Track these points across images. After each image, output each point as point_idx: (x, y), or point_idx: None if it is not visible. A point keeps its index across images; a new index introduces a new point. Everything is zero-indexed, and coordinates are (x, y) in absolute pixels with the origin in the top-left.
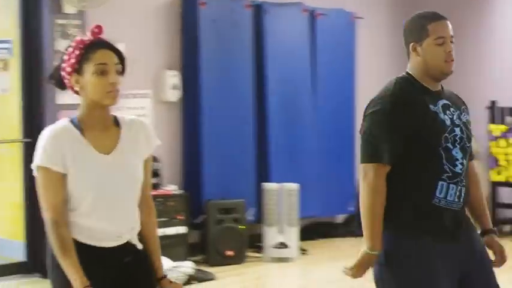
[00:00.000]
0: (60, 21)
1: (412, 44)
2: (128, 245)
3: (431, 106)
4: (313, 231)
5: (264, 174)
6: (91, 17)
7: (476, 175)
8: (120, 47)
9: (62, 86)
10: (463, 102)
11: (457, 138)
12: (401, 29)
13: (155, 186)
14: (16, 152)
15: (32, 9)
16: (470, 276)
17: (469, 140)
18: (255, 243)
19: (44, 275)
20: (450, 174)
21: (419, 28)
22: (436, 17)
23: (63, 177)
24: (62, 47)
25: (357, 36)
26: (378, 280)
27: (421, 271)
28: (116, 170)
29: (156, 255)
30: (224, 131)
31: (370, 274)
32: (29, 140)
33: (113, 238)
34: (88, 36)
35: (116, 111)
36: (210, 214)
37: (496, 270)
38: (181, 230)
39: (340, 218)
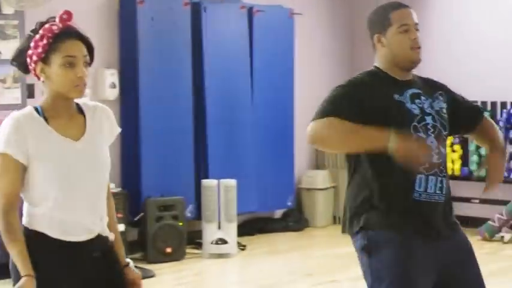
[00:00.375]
0: None
1: (377, 35)
2: (99, 238)
3: (395, 96)
4: (252, 226)
5: (202, 171)
6: (29, 17)
7: (488, 122)
8: None
9: (26, 70)
10: (440, 88)
11: (429, 127)
12: (340, 25)
13: None
14: None
15: None
16: (452, 275)
17: (444, 127)
18: (195, 239)
19: None
20: (427, 166)
21: (382, 18)
22: (398, 5)
23: (22, 167)
24: (1, 48)
25: (296, 32)
26: (364, 272)
27: (399, 257)
28: (86, 158)
29: (118, 244)
30: (162, 128)
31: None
32: None
33: (84, 231)
34: (57, 24)
35: None
36: (148, 211)
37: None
38: (120, 227)
39: (278, 213)
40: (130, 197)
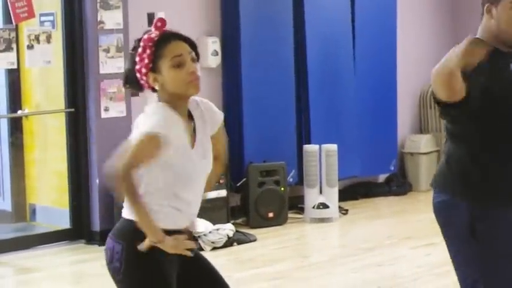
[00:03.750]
0: None
1: (488, 4)
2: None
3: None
4: (355, 191)
5: (304, 136)
6: None
7: None
8: (160, 15)
9: (140, 88)
10: None
11: None
12: None
13: None
14: (60, 121)
15: None
16: None
17: None
18: (297, 204)
19: (88, 241)
20: None
21: None
22: None
23: (161, 149)
24: (104, 18)
25: None
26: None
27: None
28: (198, 164)
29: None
30: (264, 94)
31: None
32: (72, 109)
33: (188, 221)
34: (154, 32)
35: None
36: (251, 177)
37: None
38: (222, 193)
39: (381, 178)
40: (232, 163)
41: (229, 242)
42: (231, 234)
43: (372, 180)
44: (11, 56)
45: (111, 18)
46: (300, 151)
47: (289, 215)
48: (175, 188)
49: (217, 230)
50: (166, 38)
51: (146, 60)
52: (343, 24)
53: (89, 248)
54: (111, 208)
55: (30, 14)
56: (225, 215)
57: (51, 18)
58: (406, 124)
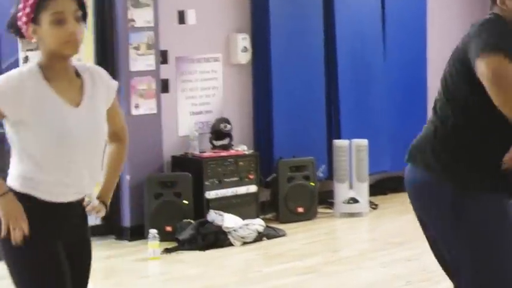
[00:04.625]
0: None
1: None
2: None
3: None
4: (385, 186)
5: (334, 131)
6: None
7: None
8: (191, 13)
9: (22, 35)
10: None
11: None
12: None
13: (226, 147)
14: None
15: None
16: None
17: None
18: (326, 199)
19: (118, 237)
20: None
21: None
22: None
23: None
24: (134, 16)
25: None
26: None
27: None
28: (85, 124)
29: (109, 184)
30: (294, 89)
31: None
32: None
33: (76, 194)
34: None
35: (188, 75)
36: (280, 172)
37: None
38: (252, 188)
39: None
40: (262, 159)
41: (259, 237)
42: (260, 229)
43: (402, 175)
44: None
45: (141, 16)
46: (329, 146)
47: (319, 210)
48: (53, 152)
49: (247, 225)
50: None
51: (28, 9)
52: (373, 20)
53: (119, 244)
54: (141, 204)
55: None
56: (254, 210)
57: None
58: None
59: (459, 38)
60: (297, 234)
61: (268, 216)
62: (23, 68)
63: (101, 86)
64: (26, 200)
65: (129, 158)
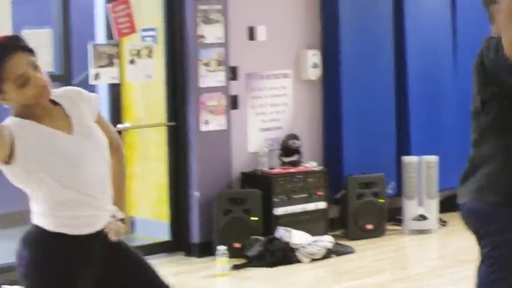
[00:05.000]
0: (202, 7)
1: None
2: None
3: None
4: (454, 202)
5: (404, 148)
6: (232, 1)
7: None
8: (261, 29)
9: None
10: None
11: None
12: None
13: (295, 164)
14: (160, 135)
15: None
16: None
17: None
18: (395, 216)
19: (187, 253)
20: None
21: None
22: None
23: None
24: (205, 32)
25: None
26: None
27: None
28: (88, 145)
29: (120, 200)
30: (364, 105)
31: None
32: (173, 123)
33: (99, 218)
34: None
35: (258, 92)
36: (350, 189)
37: None
38: (321, 205)
39: None
40: (331, 175)
41: (327, 254)
42: (329, 246)
43: None
44: (114, 71)
45: (211, 32)
46: (399, 162)
47: (388, 227)
48: (69, 182)
49: (316, 242)
50: (1, 58)
51: None
52: (444, 36)
53: (188, 260)
54: (210, 220)
55: (132, 30)
56: (323, 226)
57: (152, 33)
58: None
59: None
60: (365, 251)
61: (337, 233)
62: (8, 121)
63: (81, 103)
64: (57, 238)
65: (199, 175)
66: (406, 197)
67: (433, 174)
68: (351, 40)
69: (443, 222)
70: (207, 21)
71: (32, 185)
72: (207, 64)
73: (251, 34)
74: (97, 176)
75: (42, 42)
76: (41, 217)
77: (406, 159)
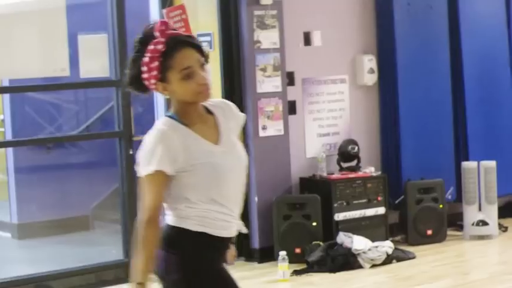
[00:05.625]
0: (257, 12)
1: None
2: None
3: None
4: None
5: (462, 153)
6: (287, 6)
7: None
8: (316, 34)
9: (145, 91)
10: None
11: None
12: None
13: (354, 169)
14: None
15: (230, 2)
16: None
17: None
18: (455, 221)
19: (248, 259)
20: None
21: None
22: None
23: (169, 178)
24: (260, 38)
25: None
26: None
27: None
28: (229, 160)
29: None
30: (421, 110)
31: None
32: None
33: (233, 225)
34: (160, 40)
35: (315, 97)
36: (409, 194)
37: None
38: (381, 210)
39: None
40: (390, 181)
41: (388, 259)
42: (390, 251)
43: None
44: None
45: (267, 38)
46: (458, 168)
47: (448, 232)
48: (211, 191)
49: (376, 247)
50: (173, 47)
51: (155, 72)
52: (500, 40)
53: (249, 265)
54: (270, 225)
55: None
56: (383, 232)
57: (208, 38)
58: None
59: None
60: (426, 256)
61: (397, 238)
62: (160, 125)
63: (232, 119)
64: (200, 237)
65: (257, 180)
66: (466, 202)
67: (492, 179)
68: (406, 45)
69: (503, 228)
70: (263, 26)
71: (175, 189)
72: (263, 69)
73: (307, 39)
74: (234, 190)
75: (97, 47)
76: (183, 219)
77: (465, 164)
